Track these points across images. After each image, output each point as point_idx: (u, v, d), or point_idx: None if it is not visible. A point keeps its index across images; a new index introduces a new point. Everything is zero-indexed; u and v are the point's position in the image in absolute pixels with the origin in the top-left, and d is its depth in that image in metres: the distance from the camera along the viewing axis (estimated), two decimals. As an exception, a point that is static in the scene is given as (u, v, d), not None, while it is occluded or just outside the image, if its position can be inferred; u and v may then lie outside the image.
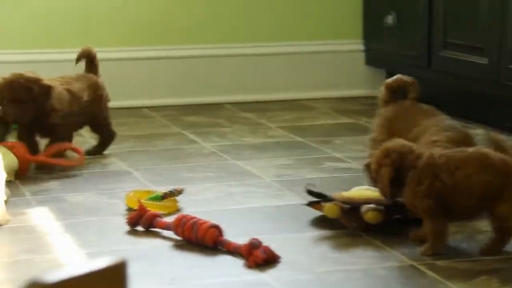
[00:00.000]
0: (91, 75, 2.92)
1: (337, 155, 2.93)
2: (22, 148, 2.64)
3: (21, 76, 2.66)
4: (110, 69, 3.64)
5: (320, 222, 2.23)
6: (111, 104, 3.71)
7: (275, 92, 3.85)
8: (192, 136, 3.19)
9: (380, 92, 2.50)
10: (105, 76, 3.64)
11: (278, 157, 2.90)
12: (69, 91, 2.79)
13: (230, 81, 3.80)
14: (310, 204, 2.27)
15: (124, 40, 3.67)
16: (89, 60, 2.93)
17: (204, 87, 3.77)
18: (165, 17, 3.72)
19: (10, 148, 2.60)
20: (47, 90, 2.68)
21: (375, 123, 2.49)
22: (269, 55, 3.85)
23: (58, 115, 2.73)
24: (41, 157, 2.69)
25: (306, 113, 3.62)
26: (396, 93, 2.47)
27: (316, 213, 2.25)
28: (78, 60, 2.94)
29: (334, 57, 3.92)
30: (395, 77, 2.47)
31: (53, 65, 3.46)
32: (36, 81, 2.66)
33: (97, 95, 2.90)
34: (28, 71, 2.71)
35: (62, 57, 3.56)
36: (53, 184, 2.58)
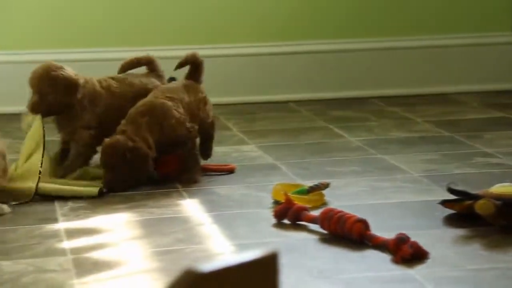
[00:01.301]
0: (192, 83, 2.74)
1: (487, 150, 2.86)
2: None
3: (117, 141, 2.46)
4: (259, 64, 3.69)
5: (460, 219, 2.19)
6: (259, 98, 3.76)
7: (422, 86, 3.80)
8: (338, 130, 3.20)
9: None
10: (252, 71, 3.70)
11: (426, 152, 2.87)
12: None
13: (377, 75, 3.78)
14: (444, 202, 2.24)
15: (277, 35, 3.71)
16: (195, 66, 2.78)
17: (350, 81, 3.77)
18: (314, 11, 3.73)
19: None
20: (143, 158, 2.47)
21: None
22: (417, 48, 3.80)
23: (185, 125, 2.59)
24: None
25: (454, 107, 3.56)
26: None
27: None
28: (181, 66, 2.78)
29: (483, 50, 3.83)
30: None
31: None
32: (133, 150, 2.45)
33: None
34: (135, 130, 2.49)
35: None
36: (203, 178, 2.64)
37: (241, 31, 3.69)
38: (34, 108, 2.56)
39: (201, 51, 3.64)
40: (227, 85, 3.66)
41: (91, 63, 3.58)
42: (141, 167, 2.47)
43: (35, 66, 2.63)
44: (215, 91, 3.65)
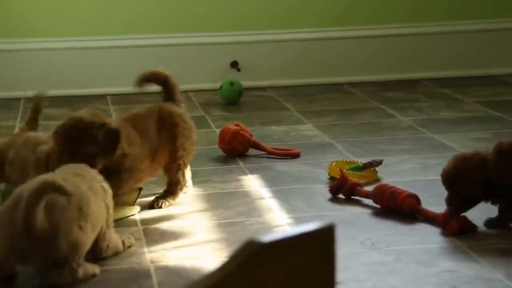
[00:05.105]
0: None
1: (534, 129, 2.82)
2: (247, 132, 2.63)
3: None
4: (316, 48, 3.68)
5: None
6: (315, 80, 3.74)
7: (472, 68, 3.75)
8: (390, 111, 3.18)
9: None
10: (309, 55, 3.69)
11: (475, 131, 2.84)
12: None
13: (428, 58, 3.74)
14: None
15: (333, 21, 3.69)
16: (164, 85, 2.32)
17: (402, 64, 3.73)
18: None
19: (238, 130, 2.60)
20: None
21: None
22: (466, 32, 3.75)
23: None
24: (263, 145, 2.64)
25: (504, 88, 3.50)
26: None
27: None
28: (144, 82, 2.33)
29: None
30: None
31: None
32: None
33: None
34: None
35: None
36: (262, 154, 2.65)
37: (300, 17, 3.68)
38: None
39: (263, 36, 3.66)
40: (285, 68, 3.66)
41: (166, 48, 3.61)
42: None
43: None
44: (274, 74, 3.66)
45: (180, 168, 2.21)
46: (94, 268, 1.79)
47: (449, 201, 1.98)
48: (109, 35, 3.57)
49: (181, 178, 2.22)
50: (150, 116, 2.20)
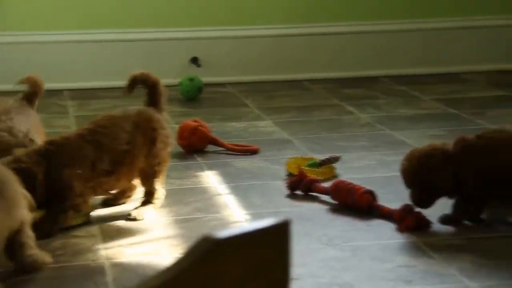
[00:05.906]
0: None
1: (491, 126, 2.85)
2: (205, 128, 2.63)
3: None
4: (276, 45, 3.69)
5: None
6: (275, 77, 3.74)
7: (430, 66, 3.78)
8: (349, 108, 3.20)
9: None
10: (269, 51, 3.69)
11: (432, 128, 2.87)
12: None
13: (387, 56, 3.77)
14: None
15: (294, 18, 3.70)
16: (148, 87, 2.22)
17: (361, 61, 3.76)
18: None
19: (197, 126, 2.62)
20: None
21: None
22: (424, 30, 3.78)
23: None
24: (222, 141, 2.63)
25: (461, 86, 3.54)
26: None
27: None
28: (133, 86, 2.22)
29: (489, 31, 3.80)
30: None
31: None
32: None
33: None
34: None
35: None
36: (221, 150, 2.65)
37: (261, 14, 3.68)
38: None
39: (223, 32, 3.66)
40: (246, 64, 3.66)
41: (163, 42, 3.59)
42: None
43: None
44: (234, 70, 3.66)
45: (156, 176, 2.11)
46: (46, 257, 1.77)
47: (414, 197, 1.99)
48: (66, 30, 3.54)
49: (158, 187, 2.12)
50: (126, 118, 2.09)
